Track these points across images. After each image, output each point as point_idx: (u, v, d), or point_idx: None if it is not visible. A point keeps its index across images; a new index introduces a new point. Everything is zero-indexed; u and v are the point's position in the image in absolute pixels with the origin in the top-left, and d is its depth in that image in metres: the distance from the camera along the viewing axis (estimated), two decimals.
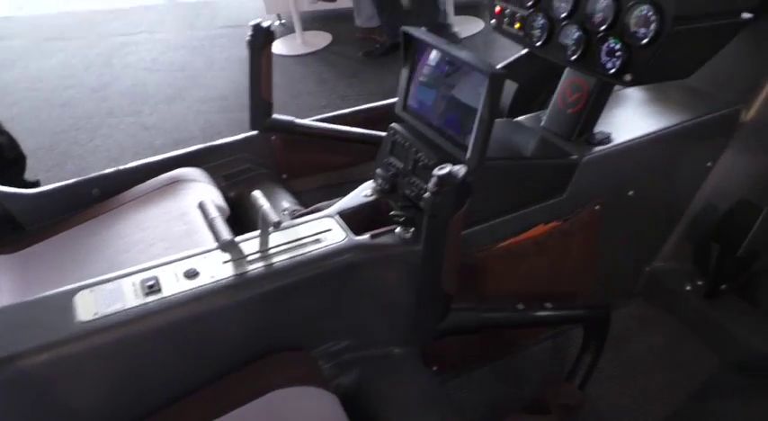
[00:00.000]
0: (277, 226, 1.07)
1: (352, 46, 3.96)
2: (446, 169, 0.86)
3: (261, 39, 1.45)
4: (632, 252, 1.55)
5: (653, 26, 1.04)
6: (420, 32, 1.20)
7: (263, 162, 1.81)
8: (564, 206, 1.28)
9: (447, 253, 0.92)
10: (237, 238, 1.17)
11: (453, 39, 3.99)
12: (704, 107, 1.39)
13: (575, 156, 1.26)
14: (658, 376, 1.44)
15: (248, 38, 1.45)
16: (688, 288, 1.50)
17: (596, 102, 1.28)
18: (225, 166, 1.76)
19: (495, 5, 1.38)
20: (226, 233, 1.04)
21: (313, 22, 4.60)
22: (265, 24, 1.44)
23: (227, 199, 1.66)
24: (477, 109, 1.07)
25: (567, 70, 1.32)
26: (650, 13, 1.04)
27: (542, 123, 1.38)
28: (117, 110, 3.71)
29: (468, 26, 4.21)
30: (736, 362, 1.43)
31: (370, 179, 2.06)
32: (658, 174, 1.40)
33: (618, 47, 1.11)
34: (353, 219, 1.24)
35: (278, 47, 4.35)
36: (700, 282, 1.50)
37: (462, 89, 1.13)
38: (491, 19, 1.41)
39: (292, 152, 1.83)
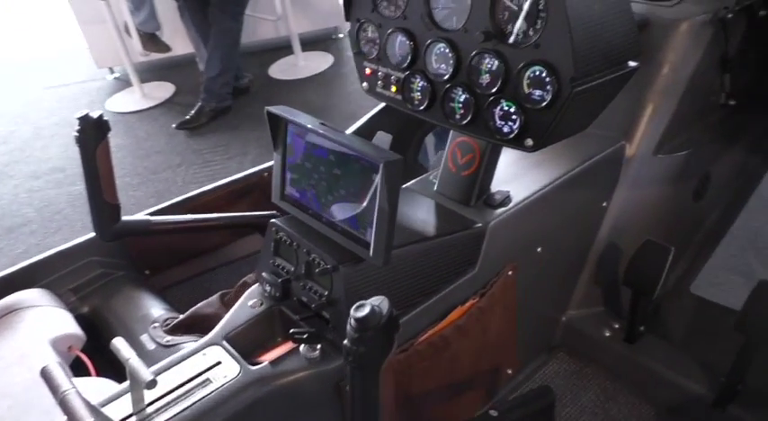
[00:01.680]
0: (151, 386, 0.84)
1: (198, 94, 3.68)
2: (366, 309, 0.70)
3: (92, 132, 1.20)
4: (546, 306, 1.48)
5: (549, 88, 0.95)
6: (289, 113, 1.03)
7: (118, 263, 1.54)
8: (478, 279, 1.17)
9: (381, 402, 0.76)
10: (104, 395, 0.92)
11: (243, 86, 3.84)
12: (591, 148, 1.35)
13: (479, 224, 1.15)
14: None
15: (75, 134, 1.20)
16: (607, 334, 1.46)
17: (490, 161, 1.19)
18: (71, 277, 1.48)
19: (364, 67, 1.24)
20: (85, 414, 0.80)
21: (151, 72, 4.25)
22: (95, 115, 1.20)
23: (80, 318, 1.38)
24: (373, 199, 0.93)
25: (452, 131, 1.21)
26: (544, 75, 0.95)
27: (436, 188, 1.26)
28: None
29: (317, 62, 4.09)
30: (669, 407, 1.39)
31: (245, 256, 1.87)
32: (561, 223, 1.34)
33: (513, 110, 1.02)
34: (244, 339, 1.04)
35: (116, 103, 3.97)
36: (616, 326, 1.46)
37: (350, 177, 0.97)
38: (362, 82, 1.27)
39: (151, 244, 1.58)
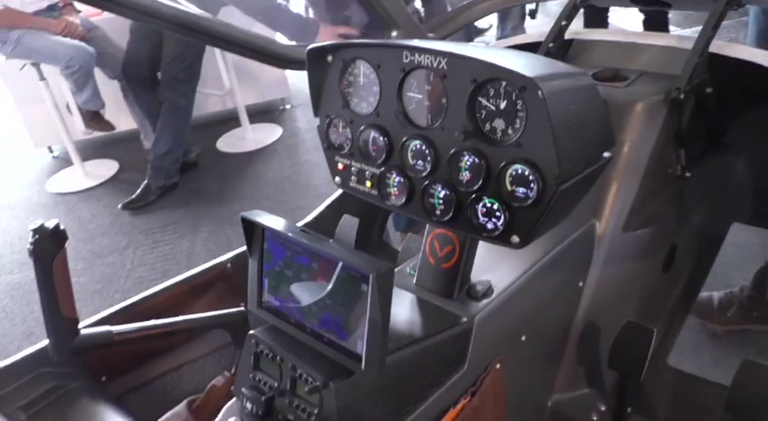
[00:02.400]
0: None
1: (143, 171, 3.58)
2: None
3: (48, 244, 1.12)
4: (533, 393, 1.44)
5: (533, 186, 0.95)
6: (266, 219, 0.99)
7: (71, 372, 1.42)
8: (468, 377, 1.12)
9: None
10: None
11: (191, 160, 3.81)
12: (563, 229, 1.35)
13: (465, 319, 1.12)
14: None
15: (30, 246, 1.11)
16: (595, 418, 1.43)
17: (470, 253, 1.17)
18: (20, 394, 1.35)
19: (336, 162, 1.21)
20: None
21: (93, 149, 4.14)
22: (51, 225, 1.12)
23: None
24: (362, 309, 0.88)
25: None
26: (527, 173, 0.95)
27: (415, 281, 1.22)
28: None
29: (265, 134, 4.07)
30: None
31: (209, 353, 1.77)
32: (542, 308, 1.32)
33: (496, 207, 1.00)
34: None
35: (56, 184, 3.82)
36: (603, 408, 1.43)
37: (336, 285, 0.92)
38: (334, 176, 1.24)
39: (108, 348, 1.47)
